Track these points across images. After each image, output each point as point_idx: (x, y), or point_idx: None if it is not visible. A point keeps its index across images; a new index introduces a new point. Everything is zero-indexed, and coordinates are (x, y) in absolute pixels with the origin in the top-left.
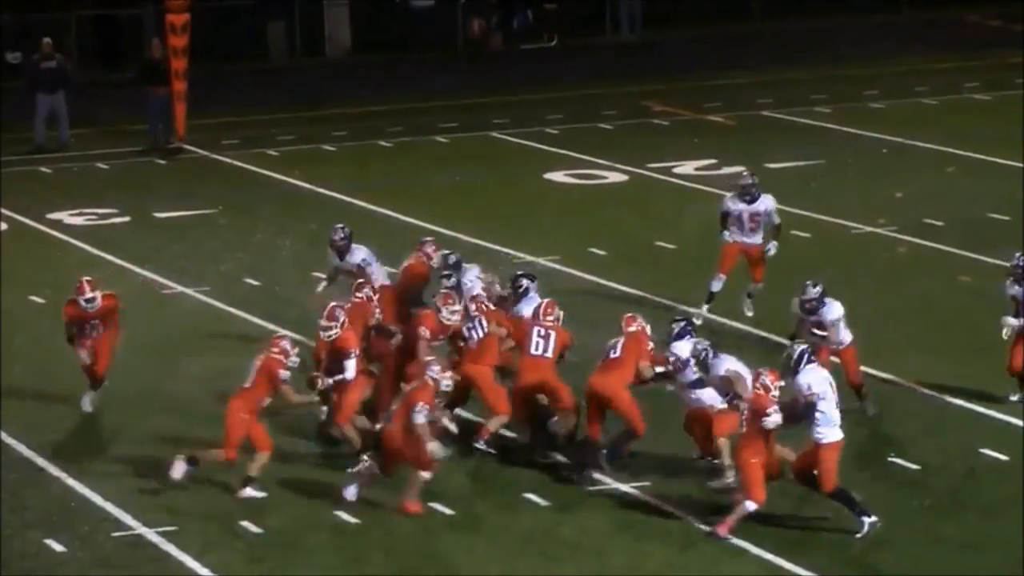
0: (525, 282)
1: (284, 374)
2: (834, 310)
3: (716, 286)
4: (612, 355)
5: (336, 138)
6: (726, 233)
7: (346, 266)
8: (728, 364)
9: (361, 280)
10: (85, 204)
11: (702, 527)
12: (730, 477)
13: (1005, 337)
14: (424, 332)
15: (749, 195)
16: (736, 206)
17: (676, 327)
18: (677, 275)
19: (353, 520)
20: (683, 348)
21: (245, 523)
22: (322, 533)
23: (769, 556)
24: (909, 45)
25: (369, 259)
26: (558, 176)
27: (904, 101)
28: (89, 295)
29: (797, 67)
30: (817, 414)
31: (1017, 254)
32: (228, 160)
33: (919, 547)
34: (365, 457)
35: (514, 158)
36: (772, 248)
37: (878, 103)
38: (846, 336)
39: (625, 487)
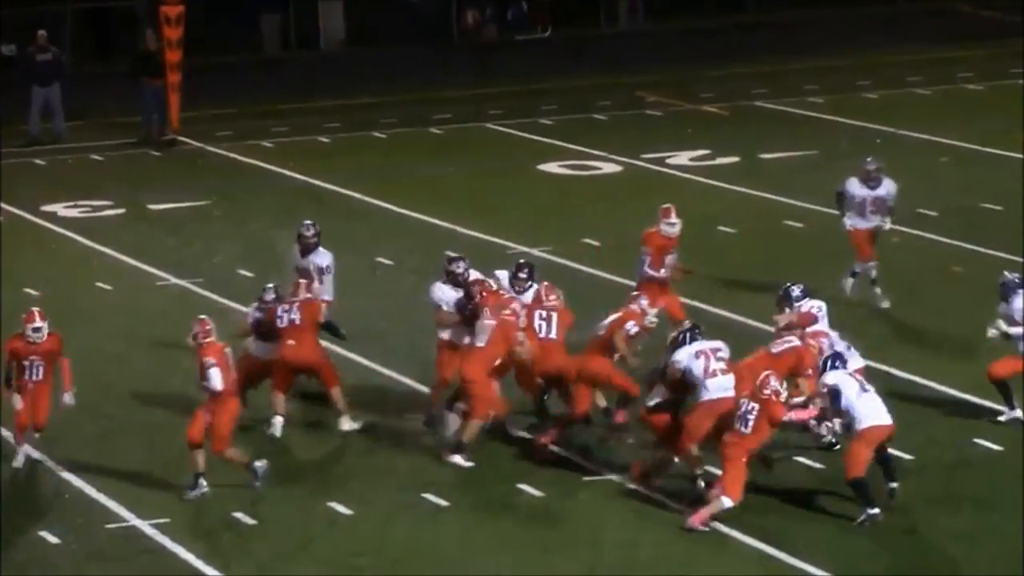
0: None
1: (520, 336)
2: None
3: (872, 273)
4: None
5: (330, 130)
6: (847, 221)
7: (306, 264)
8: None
9: (509, 296)
10: (79, 196)
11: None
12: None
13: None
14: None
15: (874, 180)
16: (860, 191)
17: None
18: None
19: (346, 511)
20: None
21: (238, 514)
22: (316, 524)
23: (761, 546)
24: (903, 35)
25: (332, 266)
26: (552, 167)
27: (898, 91)
28: (38, 324)
29: (791, 58)
30: (842, 405)
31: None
32: (222, 152)
33: (913, 538)
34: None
35: (508, 149)
36: (887, 224)
37: (871, 93)
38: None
39: (619, 477)
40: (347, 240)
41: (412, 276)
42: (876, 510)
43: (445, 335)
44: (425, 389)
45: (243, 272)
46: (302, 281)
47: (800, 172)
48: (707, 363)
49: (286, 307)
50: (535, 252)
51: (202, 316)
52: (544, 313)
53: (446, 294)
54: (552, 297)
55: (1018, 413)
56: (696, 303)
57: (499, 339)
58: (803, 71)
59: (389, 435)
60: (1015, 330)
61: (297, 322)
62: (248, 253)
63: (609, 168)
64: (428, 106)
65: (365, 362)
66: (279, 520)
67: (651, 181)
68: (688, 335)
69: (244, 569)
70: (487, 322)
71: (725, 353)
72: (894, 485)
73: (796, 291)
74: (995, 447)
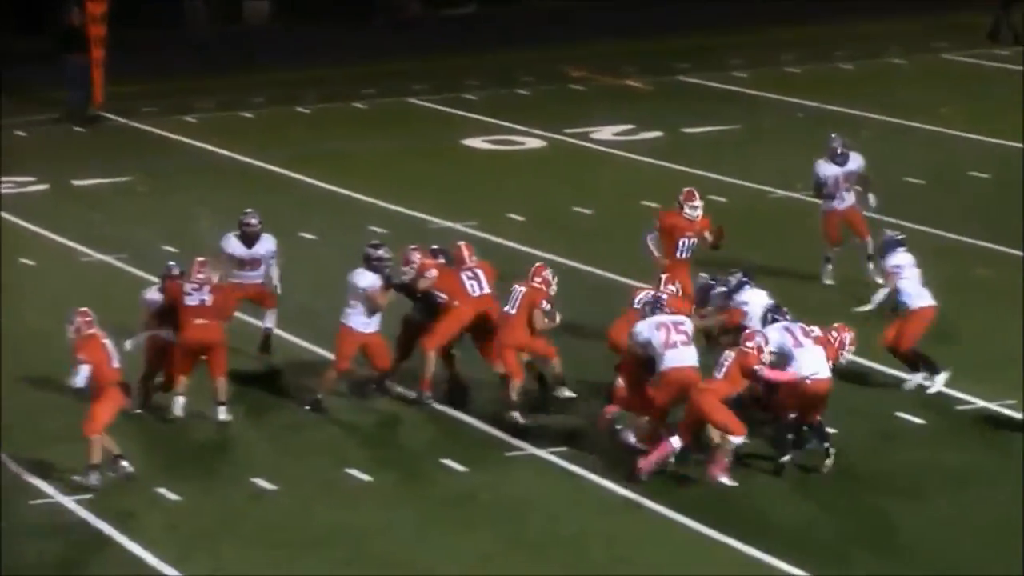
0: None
1: (545, 304)
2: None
3: (830, 255)
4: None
5: (254, 105)
6: (834, 202)
7: (253, 255)
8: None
9: (540, 264)
10: (3, 172)
11: (625, 492)
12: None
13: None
14: None
15: (842, 156)
16: (831, 170)
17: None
18: (594, 240)
19: (270, 487)
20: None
21: (162, 490)
22: (239, 500)
23: (685, 520)
24: (827, 9)
25: (275, 251)
26: (476, 142)
27: (821, 65)
28: None
29: (714, 32)
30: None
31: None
32: (146, 127)
33: (834, 511)
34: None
35: (432, 124)
36: (872, 200)
37: (794, 68)
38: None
39: (542, 453)
40: (271, 215)
41: (336, 251)
42: (788, 457)
43: (350, 322)
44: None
45: (167, 248)
46: (199, 259)
47: (724, 147)
48: (667, 335)
49: (195, 286)
50: (459, 227)
51: (83, 308)
52: (471, 273)
53: (368, 279)
54: (472, 256)
55: (941, 377)
56: (618, 277)
57: (527, 304)
58: (727, 45)
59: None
60: (879, 294)
61: (207, 303)
62: (172, 229)
63: (533, 143)
64: (352, 81)
65: (288, 337)
66: (203, 496)
67: (575, 156)
68: (650, 308)
69: (169, 545)
70: (519, 288)
71: (689, 326)
72: (828, 445)
73: (733, 282)
74: (916, 420)
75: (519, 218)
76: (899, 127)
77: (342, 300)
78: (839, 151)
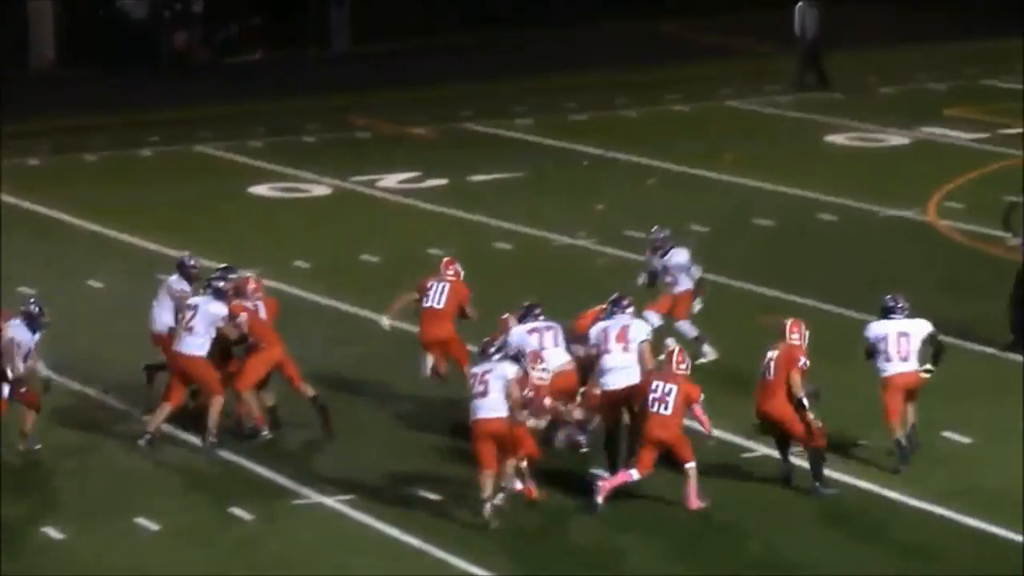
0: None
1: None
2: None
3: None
4: (768, 376)
5: (40, 152)
6: (670, 288)
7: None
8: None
9: (447, 259)
10: None
11: (413, 542)
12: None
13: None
14: None
15: (661, 249)
16: (657, 261)
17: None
18: (380, 288)
19: (59, 536)
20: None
21: None
22: (29, 550)
23: (470, 567)
24: (609, 56)
25: None
26: (262, 190)
27: (605, 113)
28: None
29: (498, 79)
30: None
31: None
32: None
33: (639, 545)
34: None
35: (218, 172)
36: (697, 305)
37: (579, 115)
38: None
39: (331, 500)
40: (57, 264)
41: (124, 300)
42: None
43: (202, 351)
44: (132, 409)
45: None
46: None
47: (509, 194)
48: (473, 383)
49: None
50: (246, 274)
51: None
52: (252, 304)
53: (224, 308)
54: (258, 292)
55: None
56: (405, 325)
57: (453, 296)
58: (511, 92)
59: (99, 458)
60: None
61: None
62: None
63: (319, 191)
64: (138, 129)
65: (75, 386)
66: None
67: (361, 203)
68: (484, 348)
69: None
70: (444, 283)
71: (498, 376)
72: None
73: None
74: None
75: (305, 265)
76: (683, 175)
77: (130, 347)
78: (658, 243)
